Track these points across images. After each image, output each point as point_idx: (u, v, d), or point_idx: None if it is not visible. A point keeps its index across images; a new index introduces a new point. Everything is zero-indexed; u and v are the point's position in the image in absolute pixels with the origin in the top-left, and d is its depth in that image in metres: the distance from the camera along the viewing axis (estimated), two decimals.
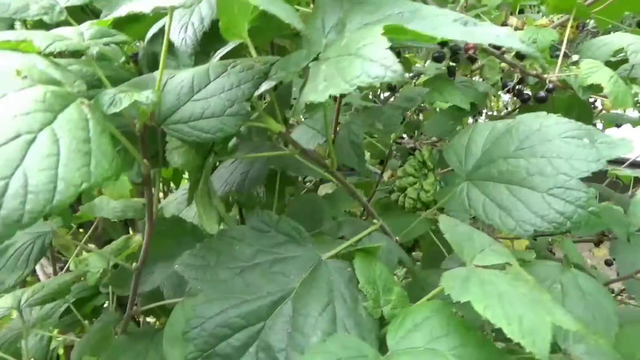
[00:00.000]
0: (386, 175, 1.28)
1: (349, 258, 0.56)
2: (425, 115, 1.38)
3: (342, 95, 0.97)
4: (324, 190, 1.21)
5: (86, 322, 0.74)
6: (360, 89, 0.32)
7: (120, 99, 0.36)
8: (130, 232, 1.26)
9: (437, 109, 1.37)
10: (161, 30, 0.57)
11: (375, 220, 0.65)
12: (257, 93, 0.42)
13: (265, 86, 0.42)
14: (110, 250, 0.71)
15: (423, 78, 1.39)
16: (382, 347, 0.47)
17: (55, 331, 0.85)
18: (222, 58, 0.52)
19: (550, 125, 0.61)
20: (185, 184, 1.00)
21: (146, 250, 0.53)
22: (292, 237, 0.54)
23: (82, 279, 0.70)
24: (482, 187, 0.61)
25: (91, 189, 0.27)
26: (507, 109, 1.74)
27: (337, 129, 0.94)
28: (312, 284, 0.50)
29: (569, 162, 0.56)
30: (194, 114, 0.42)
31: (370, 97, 1.52)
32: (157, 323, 0.99)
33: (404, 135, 1.34)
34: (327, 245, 0.59)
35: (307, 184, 1.22)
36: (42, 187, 0.25)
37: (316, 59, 0.41)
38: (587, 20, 1.21)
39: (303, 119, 1.02)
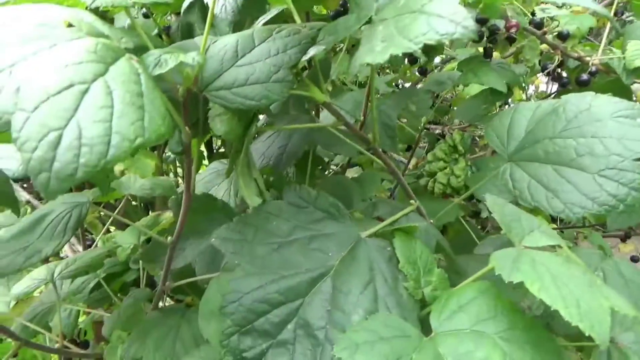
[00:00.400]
0: (412, 164, 1.25)
1: (386, 238, 0.54)
2: (454, 101, 1.35)
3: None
4: (349, 174, 1.20)
5: (116, 298, 0.73)
6: (426, 48, 0.30)
7: (165, 59, 0.35)
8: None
9: (467, 96, 1.34)
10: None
11: (412, 201, 0.63)
12: (304, 59, 0.40)
13: (313, 51, 0.40)
14: (142, 226, 0.70)
15: (449, 66, 1.36)
16: (423, 329, 0.46)
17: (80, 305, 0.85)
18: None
19: (600, 105, 0.58)
20: (204, 170, 0.99)
21: (182, 223, 0.51)
22: (330, 214, 0.53)
23: (112, 255, 0.69)
24: (526, 168, 0.58)
25: (145, 145, 0.25)
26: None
27: (367, 111, 0.92)
28: (352, 262, 0.49)
29: (622, 143, 0.53)
30: (238, 79, 0.41)
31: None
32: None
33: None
34: (364, 224, 0.57)
35: (334, 167, 1.20)
36: (97, 140, 0.24)
37: (368, 22, 0.39)
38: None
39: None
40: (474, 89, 1.21)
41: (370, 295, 0.46)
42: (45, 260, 0.77)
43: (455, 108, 1.37)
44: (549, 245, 0.49)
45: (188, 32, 0.59)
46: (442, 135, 1.29)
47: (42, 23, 0.29)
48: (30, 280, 0.66)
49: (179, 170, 1.40)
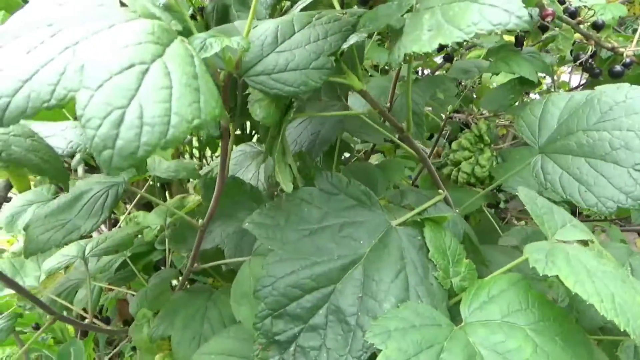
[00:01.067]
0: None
1: (415, 226, 0.54)
2: (478, 90, 1.33)
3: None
4: (371, 161, 1.19)
5: (141, 277, 0.74)
6: (476, 38, 0.29)
7: (211, 43, 0.35)
8: (167, 197, 1.28)
9: (494, 84, 1.32)
10: None
11: (440, 191, 0.63)
12: (344, 46, 0.40)
13: (353, 39, 0.40)
14: (169, 207, 0.71)
15: (472, 53, 1.34)
16: (451, 318, 0.46)
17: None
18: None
19: (637, 97, 0.57)
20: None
21: (215, 205, 0.52)
22: (361, 202, 0.53)
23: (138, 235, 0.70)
24: (558, 160, 0.57)
25: (200, 127, 0.26)
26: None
27: (394, 97, 0.91)
28: (383, 250, 0.49)
29: None
30: (278, 65, 0.41)
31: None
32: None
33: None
34: (393, 212, 0.58)
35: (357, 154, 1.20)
36: (158, 120, 0.24)
37: (409, 11, 0.39)
38: None
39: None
40: (499, 77, 1.20)
41: (402, 283, 0.47)
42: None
43: (477, 96, 1.35)
44: (580, 240, 0.49)
45: (223, 14, 0.59)
46: (465, 124, 1.27)
47: (100, 3, 0.29)
48: (61, 256, 0.68)
49: (195, 152, 1.43)
